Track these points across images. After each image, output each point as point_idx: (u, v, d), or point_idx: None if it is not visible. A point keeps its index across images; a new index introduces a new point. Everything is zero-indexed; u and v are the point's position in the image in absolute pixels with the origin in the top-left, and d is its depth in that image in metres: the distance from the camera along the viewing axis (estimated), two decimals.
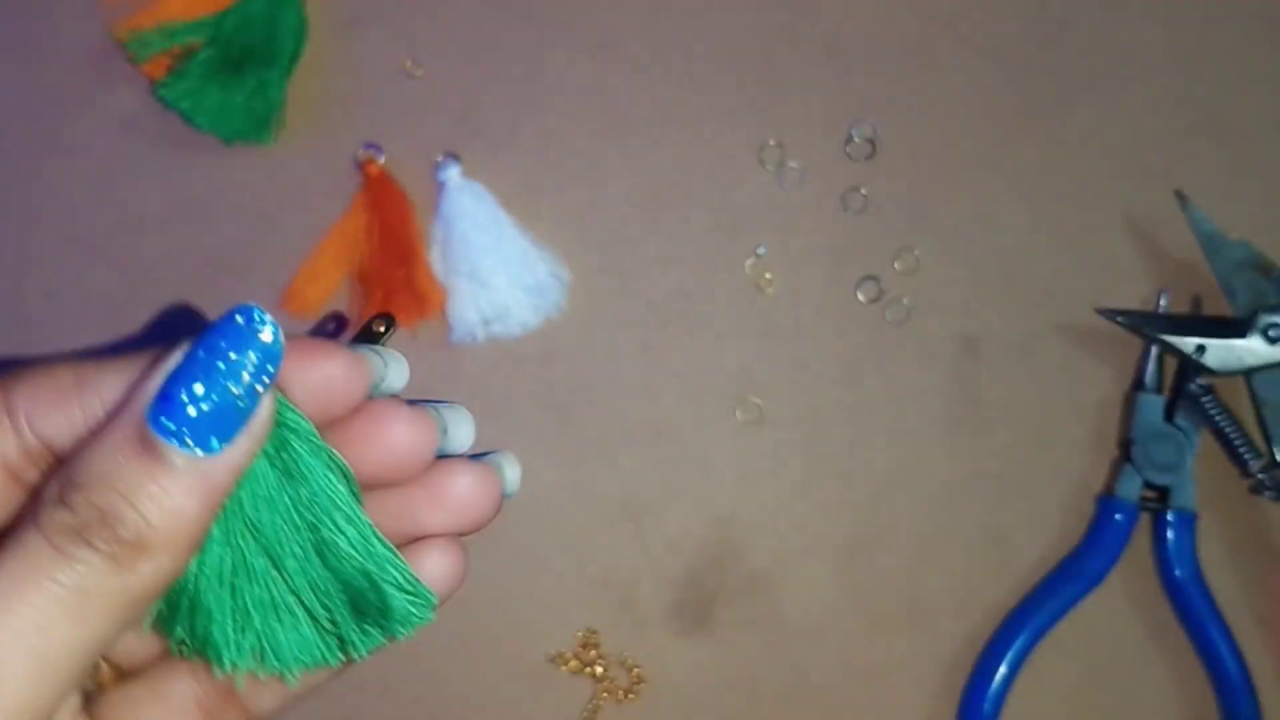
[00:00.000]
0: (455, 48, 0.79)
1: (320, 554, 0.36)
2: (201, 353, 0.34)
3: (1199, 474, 0.75)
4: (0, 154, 0.78)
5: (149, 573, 0.34)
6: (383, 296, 0.75)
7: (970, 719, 0.74)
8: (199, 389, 0.34)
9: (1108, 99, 0.79)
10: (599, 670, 0.75)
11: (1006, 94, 0.79)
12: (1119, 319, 0.75)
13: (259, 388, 0.34)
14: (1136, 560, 0.75)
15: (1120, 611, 0.76)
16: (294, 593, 0.36)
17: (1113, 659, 0.76)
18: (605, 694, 0.75)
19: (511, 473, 0.42)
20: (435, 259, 0.77)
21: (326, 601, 0.36)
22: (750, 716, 0.76)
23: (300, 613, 0.36)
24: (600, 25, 0.79)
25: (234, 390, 0.34)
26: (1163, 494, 0.74)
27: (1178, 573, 0.73)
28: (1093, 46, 0.79)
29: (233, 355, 0.34)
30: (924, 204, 0.78)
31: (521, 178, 0.78)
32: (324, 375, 0.37)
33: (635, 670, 0.75)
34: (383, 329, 0.40)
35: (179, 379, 0.34)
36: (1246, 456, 0.74)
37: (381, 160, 0.78)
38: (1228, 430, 0.74)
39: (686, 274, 0.78)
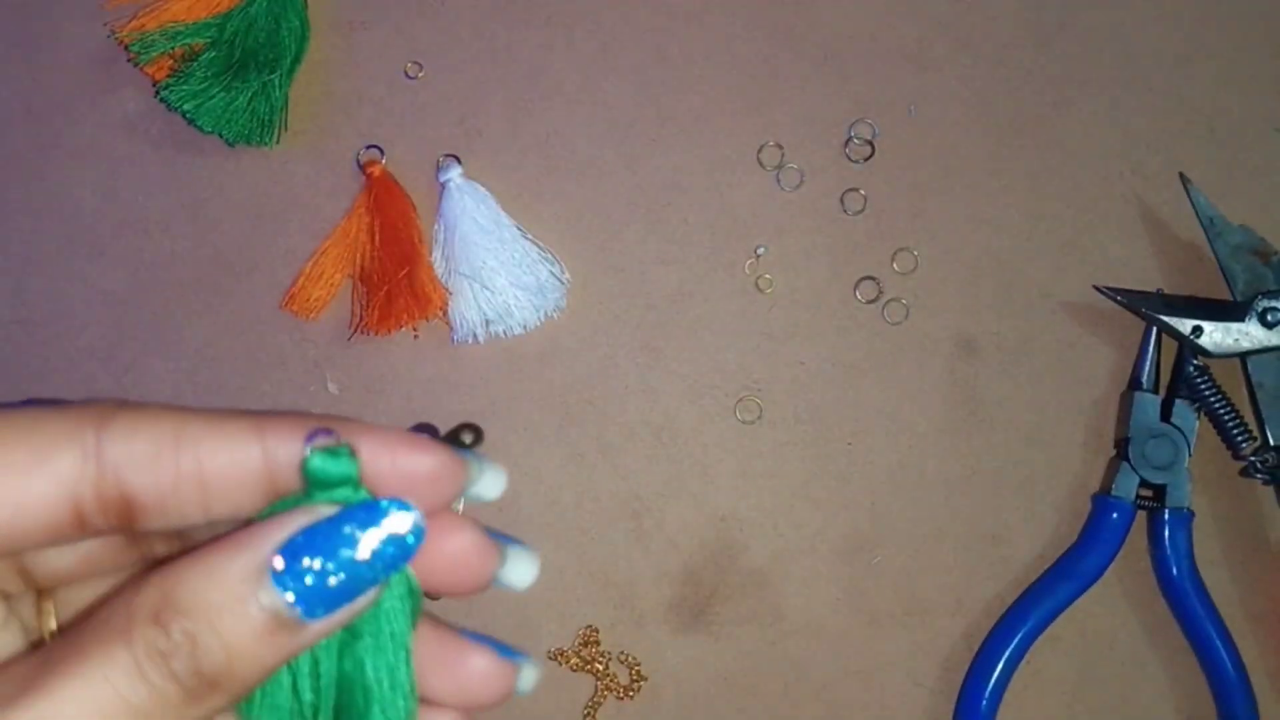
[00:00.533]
0: (456, 50, 0.80)
1: (343, 655, 0.36)
2: (346, 529, 0.34)
3: (1195, 472, 0.75)
4: (5, 155, 0.79)
5: (205, 709, 0.33)
6: (385, 297, 0.76)
7: (968, 716, 0.75)
8: (331, 570, 0.33)
9: (1104, 100, 0.79)
10: (599, 667, 0.75)
11: (1004, 95, 0.80)
12: (1118, 298, 0.76)
13: (380, 580, 0.35)
14: (1133, 558, 0.76)
15: (1117, 609, 0.77)
16: (293, 675, 0.37)
17: (1109, 656, 0.77)
18: (606, 691, 0.75)
19: (529, 674, 0.41)
20: (437, 260, 0.77)
21: (316, 699, 0.37)
22: (749, 713, 0.76)
23: (289, 696, 0.37)
24: (600, 28, 0.80)
25: (362, 577, 0.34)
26: (1159, 493, 0.75)
27: (1174, 570, 0.74)
28: (1089, 48, 0.80)
29: (373, 545, 0.34)
30: (922, 205, 0.79)
31: (522, 179, 0.79)
32: (422, 468, 0.36)
33: (635, 667, 0.75)
34: (469, 440, 0.39)
35: (310, 545, 0.34)
36: (1239, 439, 0.74)
37: (383, 161, 0.78)
38: (1221, 412, 0.75)
39: (686, 274, 0.78)
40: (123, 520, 0.35)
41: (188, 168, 0.78)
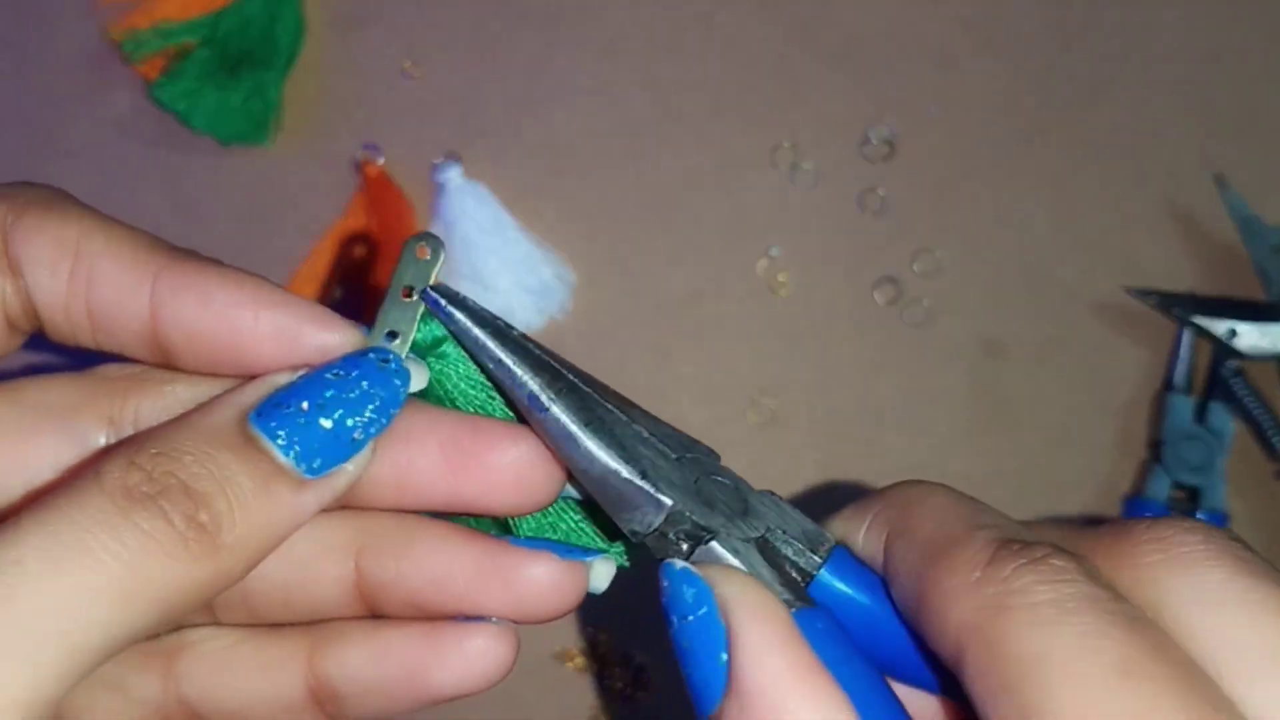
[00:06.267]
0: (456, 48, 0.83)
1: None
2: (330, 375, 0.34)
3: (1231, 475, 0.78)
4: None
5: (210, 573, 0.31)
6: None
7: None
8: (320, 412, 0.33)
9: (1131, 98, 0.82)
10: (606, 670, 0.77)
11: (1027, 94, 0.83)
12: (1151, 299, 0.79)
13: (375, 429, 0.34)
14: None
15: None
16: None
17: None
18: (610, 691, 0.77)
19: (601, 572, 0.39)
20: None
21: None
22: None
23: None
24: (607, 24, 0.84)
25: (356, 420, 0.34)
26: (1193, 495, 0.77)
27: None
28: (1117, 47, 0.83)
29: (365, 386, 0.34)
30: (944, 205, 0.82)
31: (525, 178, 0.82)
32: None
33: (642, 671, 0.77)
34: (428, 255, 0.37)
35: (297, 391, 0.33)
36: (1275, 441, 0.77)
37: (380, 161, 0.82)
38: (1257, 414, 0.77)
39: (696, 275, 0.81)
40: (31, 323, 0.36)
41: (181, 168, 0.82)
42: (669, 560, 0.34)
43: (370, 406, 0.34)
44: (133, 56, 0.81)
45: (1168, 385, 0.79)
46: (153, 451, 0.31)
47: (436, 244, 0.37)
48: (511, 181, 0.82)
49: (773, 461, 0.79)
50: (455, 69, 0.83)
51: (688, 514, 0.36)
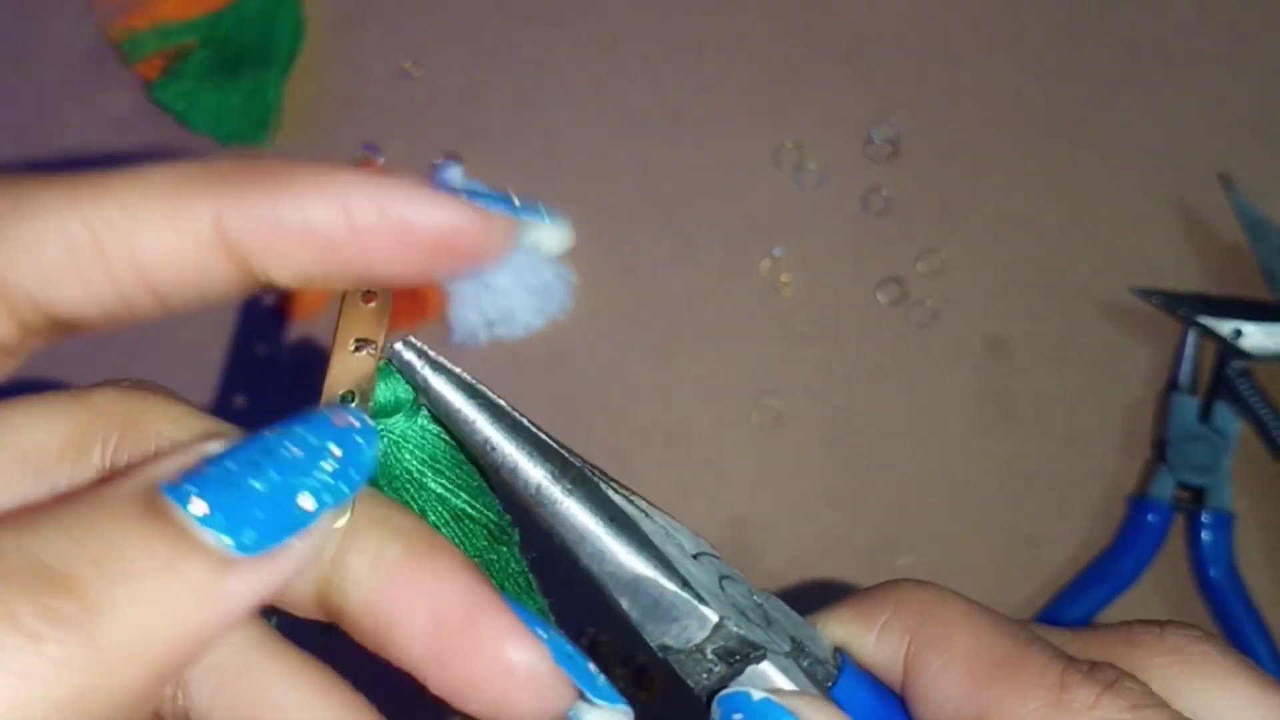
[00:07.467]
0: (456, 47, 0.84)
1: None
2: (269, 432, 0.27)
3: (1237, 475, 0.79)
4: None
5: (89, 682, 0.23)
6: None
7: None
8: (250, 464, 0.26)
9: (1139, 98, 0.83)
10: (605, 668, 0.77)
11: (1035, 94, 0.84)
12: (1155, 299, 0.79)
13: (332, 496, 0.27)
14: (1170, 561, 0.79)
15: (1154, 611, 0.78)
16: None
17: None
18: None
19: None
20: None
21: None
22: None
23: None
24: (608, 23, 0.84)
25: (301, 481, 0.26)
26: (1198, 494, 0.78)
27: (1213, 573, 0.77)
28: (1127, 46, 0.84)
29: (314, 442, 0.27)
30: (949, 205, 0.83)
31: (526, 178, 0.83)
32: (429, 224, 0.28)
33: (643, 672, 0.77)
34: (375, 300, 0.31)
35: (226, 454, 0.26)
36: None
37: (380, 161, 0.82)
38: (1263, 414, 0.78)
39: (699, 275, 0.82)
40: (31, 340, 0.29)
41: None
42: (742, 691, 0.31)
43: (321, 465, 0.27)
44: (131, 57, 0.81)
45: (1172, 385, 0.80)
46: (14, 528, 0.24)
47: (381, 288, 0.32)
48: (512, 181, 0.82)
49: (776, 463, 0.80)
50: (455, 69, 0.84)
51: (734, 628, 0.32)
